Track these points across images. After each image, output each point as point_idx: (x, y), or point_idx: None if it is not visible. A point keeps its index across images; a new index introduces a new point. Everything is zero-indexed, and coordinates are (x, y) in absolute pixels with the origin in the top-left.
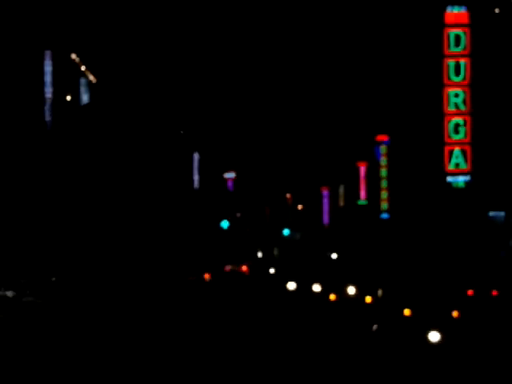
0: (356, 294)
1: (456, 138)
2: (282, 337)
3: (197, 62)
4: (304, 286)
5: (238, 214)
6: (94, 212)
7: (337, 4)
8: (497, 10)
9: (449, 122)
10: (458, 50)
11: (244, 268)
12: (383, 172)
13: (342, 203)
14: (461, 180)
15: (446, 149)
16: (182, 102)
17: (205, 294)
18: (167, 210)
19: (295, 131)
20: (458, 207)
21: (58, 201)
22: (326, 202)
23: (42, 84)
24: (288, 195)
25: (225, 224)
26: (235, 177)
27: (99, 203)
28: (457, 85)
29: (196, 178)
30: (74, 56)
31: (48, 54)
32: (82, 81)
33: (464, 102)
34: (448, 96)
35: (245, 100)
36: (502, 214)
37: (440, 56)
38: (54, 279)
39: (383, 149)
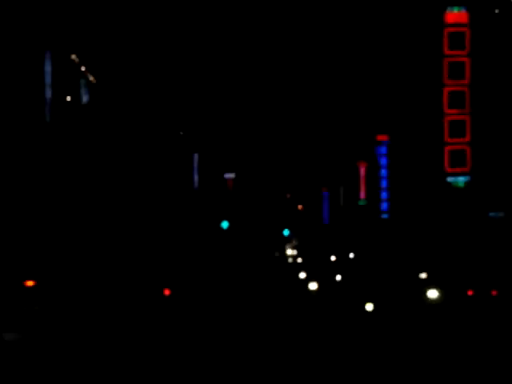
0: None
1: (456, 137)
2: None
3: (197, 63)
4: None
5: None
6: (94, 212)
7: (338, 4)
8: (496, 10)
9: (449, 121)
10: (458, 49)
11: None
12: (383, 172)
13: (342, 203)
14: (461, 180)
15: (446, 149)
16: (181, 103)
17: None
18: (167, 209)
19: (295, 132)
20: (458, 207)
21: (58, 201)
22: (326, 201)
23: (42, 84)
24: (288, 195)
25: (225, 224)
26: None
27: (99, 204)
28: (456, 84)
29: (196, 178)
30: (73, 56)
31: (48, 54)
32: (82, 81)
33: (464, 101)
34: (448, 96)
35: (245, 101)
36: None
37: (440, 56)
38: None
39: (383, 149)
